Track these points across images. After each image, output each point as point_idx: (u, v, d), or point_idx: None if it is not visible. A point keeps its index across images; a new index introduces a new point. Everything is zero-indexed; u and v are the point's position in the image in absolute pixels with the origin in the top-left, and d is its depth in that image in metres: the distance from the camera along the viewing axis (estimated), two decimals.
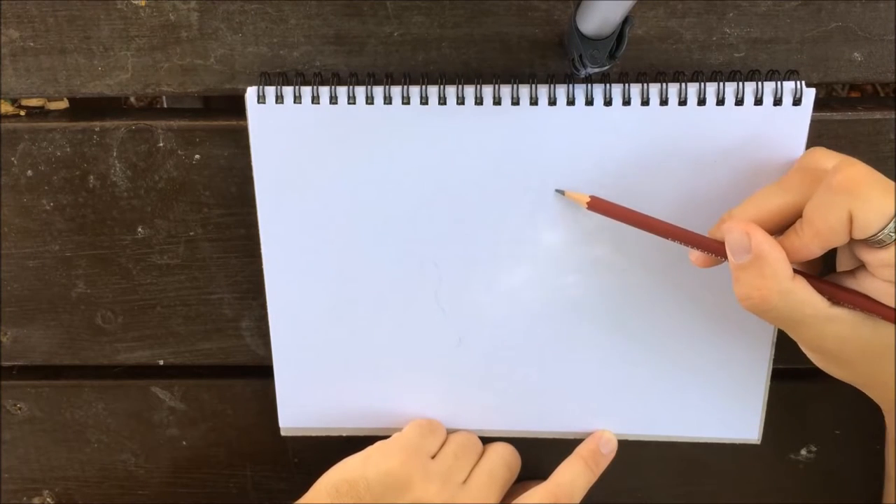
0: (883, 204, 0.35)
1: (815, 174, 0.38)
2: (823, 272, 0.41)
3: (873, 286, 0.37)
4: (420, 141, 0.43)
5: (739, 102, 0.41)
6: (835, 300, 0.38)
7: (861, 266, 0.38)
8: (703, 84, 0.41)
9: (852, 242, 0.36)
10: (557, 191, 0.43)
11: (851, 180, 0.35)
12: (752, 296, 0.37)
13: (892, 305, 0.36)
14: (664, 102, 0.42)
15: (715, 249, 0.39)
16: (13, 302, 0.49)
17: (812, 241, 0.36)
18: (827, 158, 0.39)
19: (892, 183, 0.36)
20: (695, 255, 0.41)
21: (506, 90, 0.42)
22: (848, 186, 0.35)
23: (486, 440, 0.49)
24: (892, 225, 0.35)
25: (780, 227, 0.38)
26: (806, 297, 0.37)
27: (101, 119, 0.46)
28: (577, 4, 0.36)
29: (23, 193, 0.47)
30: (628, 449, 0.48)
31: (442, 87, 0.42)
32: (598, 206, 0.42)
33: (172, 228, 0.47)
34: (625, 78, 0.42)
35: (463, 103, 0.42)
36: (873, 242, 0.35)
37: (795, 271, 0.38)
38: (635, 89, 0.42)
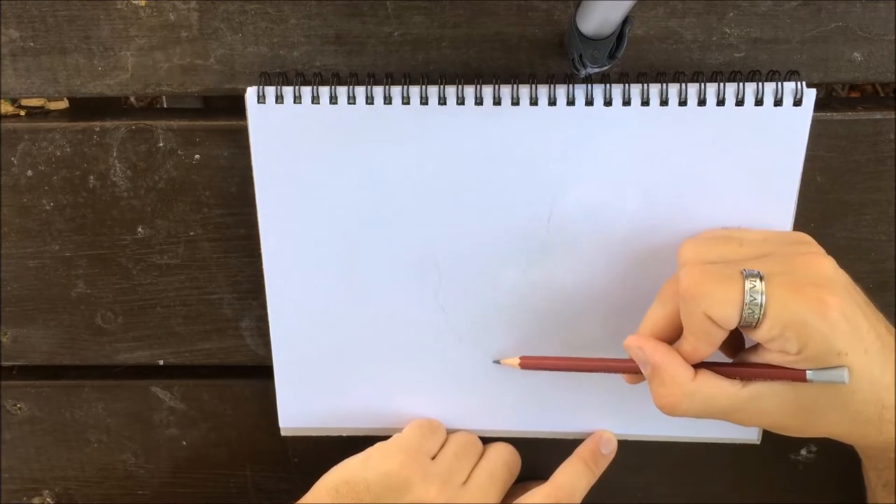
0: (728, 296, 0.36)
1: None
2: None
3: (772, 357, 0.37)
4: (420, 141, 0.43)
5: (740, 103, 0.41)
6: (747, 378, 0.38)
7: None
8: (703, 84, 0.41)
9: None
10: (495, 361, 0.47)
11: (692, 286, 0.37)
12: (662, 404, 0.39)
13: (796, 368, 0.37)
14: (664, 103, 0.41)
15: (636, 370, 0.41)
16: (13, 302, 0.49)
17: (697, 343, 0.38)
18: (689, 254, 0.40)
19: (734, 269, 0.37)
20: (625, 377, 0.43)
21: (506, 90, 0.42)
22: (691, 293, 0.37)
23: (486, 440, 0.49)
24: (747, 309, 0.36)
25: (676, 336, 0.40)
26: (714, 390, 0.38)
27: (101, 119, 0.46)
28: (577, 4, 0.36)
29: (23, 193, 0.47)
30: (628, 449, 0.48)
31: (442, 87, 0.42)
32: (530, 363, 0.45)
33: (172, 228, 0.47)
34: (625, 78, 0.42)
35: (463, 103, 0.42)
36: (744, 327, 0.37)
37: (704, 363, 0.39)
38: (635, 89, 0.42)
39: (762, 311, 0.36)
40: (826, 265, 0.37)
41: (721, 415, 0.39)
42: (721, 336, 0.37)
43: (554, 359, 0.45)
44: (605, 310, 0.46)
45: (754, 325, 0.36)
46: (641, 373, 0.41)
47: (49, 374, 0.52)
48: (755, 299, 0.35)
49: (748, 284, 0.36)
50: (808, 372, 0.36)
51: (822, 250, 0.39)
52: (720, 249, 0.40)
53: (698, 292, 0.37)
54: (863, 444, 0.40)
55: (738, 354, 0.40)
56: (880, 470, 0.42)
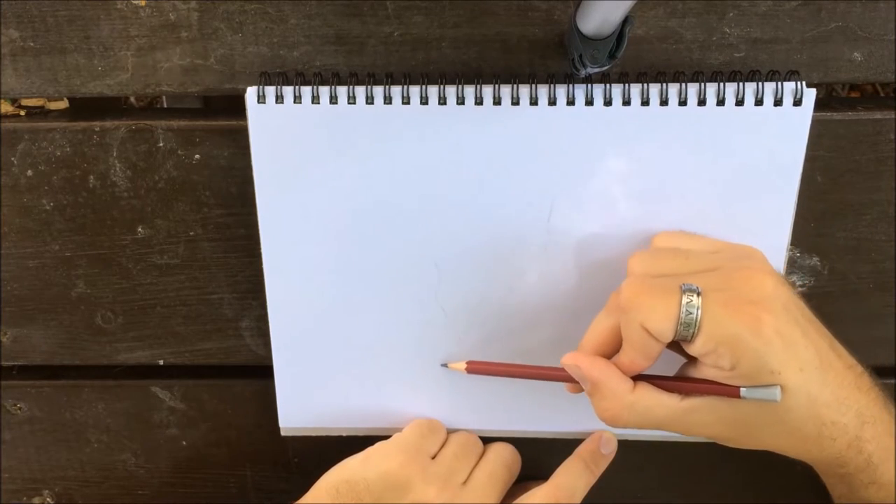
0: (664, 310, 0.36)
1: None
2: None
3: (708, 372, 0.38)
4: (420, 141, 0.43)
5: (740, 103, 0.41)
6: (685, 392, 0.39)
7: None
8: (703, 84, 0.41)
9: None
10: (442, 365, 0.47)
11: (630, 299, 0.37)
12: (604, 417, 0.39)
13: (728, 384, 0.37)
14: (664, 103, 0.42)
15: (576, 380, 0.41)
16: (13, 302, 0.49)
17: (635, 355, 0.38)
18: (636, 266, 0.41)
19: (674, 282, 0.37)
20: (567, 386, 0.43)
21: (506, 90, 0.42)
22: (629, 305, 0.37)
23: (486, 440, 0.49)
24: (682, 323, 0.36)
25: (619, 347, 0.40)
26: (653, 401, 0.39)
27: (101, 119, 0.46)
28: (577, 4, 0.36)
29: (23, 193, 0.47)
30: (628, 449, 0.48)
31: (442, 87, 0.42)
32: (476, 368, 0.46)
33: (172, 228, 0.47)
34: (625, 78, 0.42)
35: (463, 103, 0.42)
36: (681, 340, 0.37)
37: (644, 376, 0.39)
38: (635, 89, 0.42)
39: (697, 327, 0.36)
40: (765, 282, 0.37)
41: (661, 426, 0.39)
42: (658, 349, 0.38)
43: (499, 364, 0.46)
44: None
45: (689, 340, 0.36)
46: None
47: (49, 374, 0.52)
48: (691, 314, 0.36)
49: (685, 299, 0.36)
50: (741, 389, 0.37)
51: (767, 266, 0.39)
52: (667, 262, 0.40)
53: (636, 304, 0.37)
54: (806, 458, 0.40)
55: (680, 366, 0.41)
56: (832, 484, 0.42)
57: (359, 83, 0.42)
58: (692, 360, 0.39)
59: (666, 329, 0.36)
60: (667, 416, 0.39)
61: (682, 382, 0.39)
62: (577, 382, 0.41)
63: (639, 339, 0.37)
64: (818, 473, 0.42)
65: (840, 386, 0.37)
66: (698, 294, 0.36)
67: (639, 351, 0.38)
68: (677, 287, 0.37)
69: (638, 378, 0.39)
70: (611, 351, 0.40)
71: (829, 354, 0.38)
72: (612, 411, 0.39)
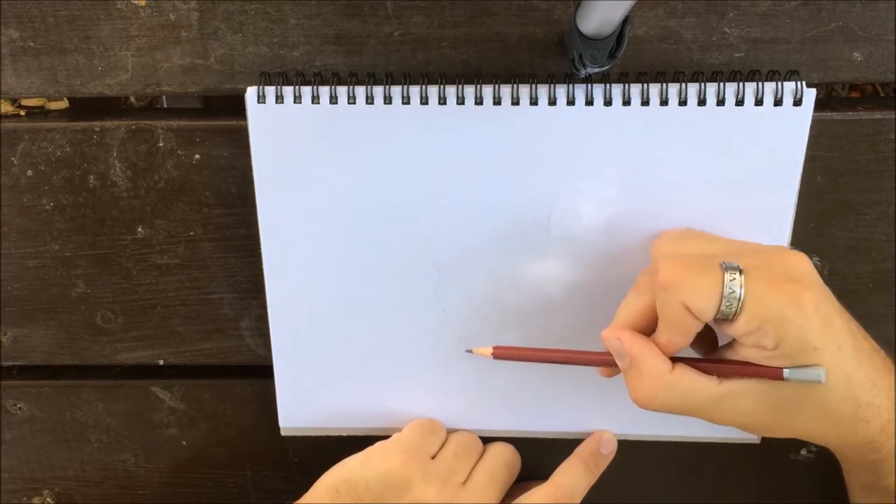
0: (707, 287, 0.36)
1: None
2: None
3: (748, 353, 0.37)
4: (420, 141, 0.43)
5: (740, 103, 0.41)
6: (724, 375, 0.38)
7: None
8: (703, 84, 0.41)
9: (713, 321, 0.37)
10: (467, 350, 0.46)
11: (670, 276, 0.36)
12: (638, 396, 0.38)
13: (770, 366, 0.36)
14: (664, 102, 0.42)
15: (610, 363, 0.40)
16: (13, 302, 0.49)
17: (673, 335, 0.37)
18: (666, 248, 0.40)
19: (713, 261, 0.36)
20: (599, 369, 0.42)
21: (506, 90, 0.42)
22: (670, 282, 0.36)
23: (486, 440, 0.49)
24: (725, 301, 0.35)
25: (650, 329, 0.39)
26: (691, 383, 0.38)
27: (101, 119, 0.46)
28: (577, 4, 0.36)
29: (23, 193, 0.47)
30: (628, 449, 0.48)
31: (442, 87, 0.42)
32: (502, 353, 0.44)
33: (172, 228, 0.47)
34: (625, 78, 0.42)
35: (463, 103, 0.42)
36: (721, 320, 0.36)
37: (681, 358, 0.38)
38: (635, 89, 0.42)
39: (740, 305, 0.35)
40: (803, 261, 0.37)
41: (696, 410, 0.38)
42: (696, 327, 0.37)
43: (526, 349, 0.44)
44: (607, 309, 0.45)
45: (731, 319, 0.36)
46: (616, 365, 0.40)
47: (49, 374, 0.52)
48: (734, 292, 0.35)
49: (728, 276, 0.35)
50: (784, 370, 0.36)
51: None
52: (697, 243, 0.40)
53: (677, 282, 0.36)
54: (837, 444, 0.40)
55: (713, 352, 0.40)
56: (857, 473, 0.41)
57: (359, 83, 0.42)
58: (728, 343, 0.38)
59: (709, 307, 0.36)
60: (704, 400, 0.38)
61: (722, 365, 0.38)
62: (611, 365, 0.40)
63: (678, 319, 0.37)
64: (843, 464, 0.42)
65: (872, 367, 0.37)
66: (740, 272, 0.36)
67: (676, 331, 0.37)
68: (717, 265, 0.36)
69: (676, 360, 0.38)
70: (643, 332, 0.39)
71: (858, 336, 0.38)
72: (647, 391, 0.38)
